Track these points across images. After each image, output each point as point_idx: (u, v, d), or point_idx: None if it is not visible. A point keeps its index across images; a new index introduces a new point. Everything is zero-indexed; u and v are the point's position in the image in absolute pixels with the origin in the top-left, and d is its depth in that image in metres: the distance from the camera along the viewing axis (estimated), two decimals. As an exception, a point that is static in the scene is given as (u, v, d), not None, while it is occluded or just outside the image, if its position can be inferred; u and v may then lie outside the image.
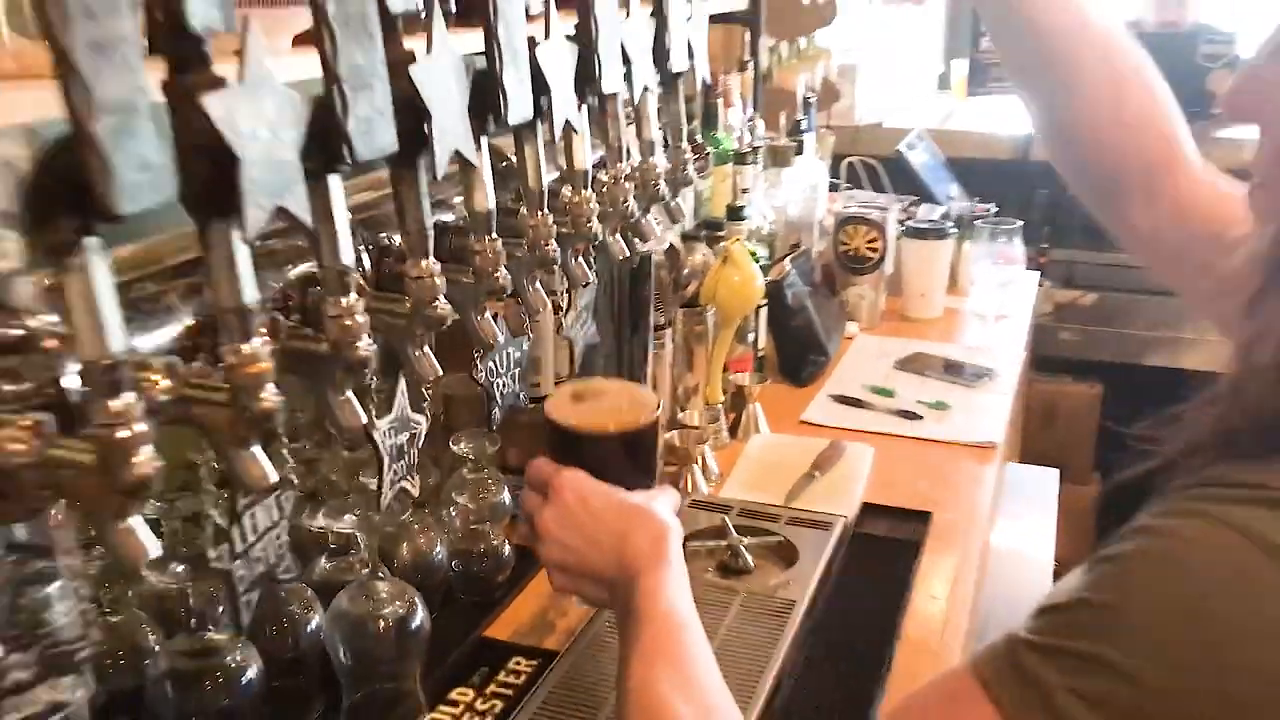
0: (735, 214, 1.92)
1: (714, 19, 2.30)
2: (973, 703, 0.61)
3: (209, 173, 0.50)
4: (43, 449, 0.50)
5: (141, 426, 0.48)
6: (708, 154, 2.02)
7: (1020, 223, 2.46)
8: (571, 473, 0.96)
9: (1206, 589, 0.56)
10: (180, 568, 0.92)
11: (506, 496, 1.34)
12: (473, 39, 0.78)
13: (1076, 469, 3.05)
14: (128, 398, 0.48)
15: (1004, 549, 1.81)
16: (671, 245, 1.53)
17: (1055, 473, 2.24)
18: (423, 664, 1.14)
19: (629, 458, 0.98)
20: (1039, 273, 2.88)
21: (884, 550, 1.47)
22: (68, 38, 0.41)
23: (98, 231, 0.46)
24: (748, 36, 2.47)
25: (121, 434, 0.48)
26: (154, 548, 0.51)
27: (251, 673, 1.00)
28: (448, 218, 1.10)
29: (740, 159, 2.07)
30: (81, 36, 0.42)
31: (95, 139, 0.42)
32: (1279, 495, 0.56)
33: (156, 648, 0.99)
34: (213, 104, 0.48)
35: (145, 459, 0.49)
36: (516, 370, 1.17)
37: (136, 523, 0.51)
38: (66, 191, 0.44)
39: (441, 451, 1.32)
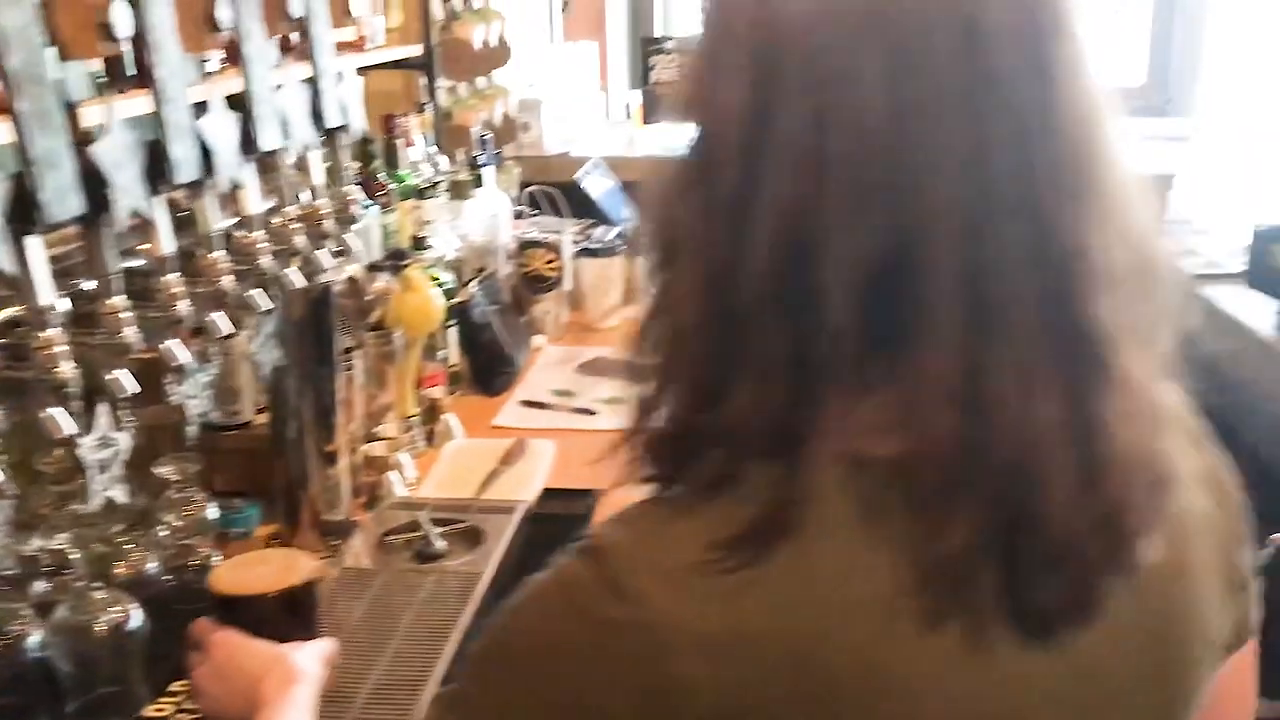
0: (419, 244, 2.11)
1: (393, 65, 2.50)
2: None
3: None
4: None
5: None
6: (390, 191, 2.21)
7: (682, 238, 2.77)
8: (225, 633, 1.07)
9: (515, 624, 0.64)
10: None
11: (212, 513, 1.48)
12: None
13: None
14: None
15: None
16: (351, 275, 1.71)
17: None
18: (143, 666, 1.27)
19: (286, 616, 1.10)
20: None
21: (560, 526, 1.67)
22: None
23: None
24: (424, 80, 2.67)
25: None
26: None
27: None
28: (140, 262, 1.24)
29: (421, 194, 2.27)
30: None
31: None
32: (588, 543, 0.63)
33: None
34: (-70, 188, 0.64)
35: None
36: (208, 394, 1.32)
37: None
38: None
39: (148, 477, 1.44)
